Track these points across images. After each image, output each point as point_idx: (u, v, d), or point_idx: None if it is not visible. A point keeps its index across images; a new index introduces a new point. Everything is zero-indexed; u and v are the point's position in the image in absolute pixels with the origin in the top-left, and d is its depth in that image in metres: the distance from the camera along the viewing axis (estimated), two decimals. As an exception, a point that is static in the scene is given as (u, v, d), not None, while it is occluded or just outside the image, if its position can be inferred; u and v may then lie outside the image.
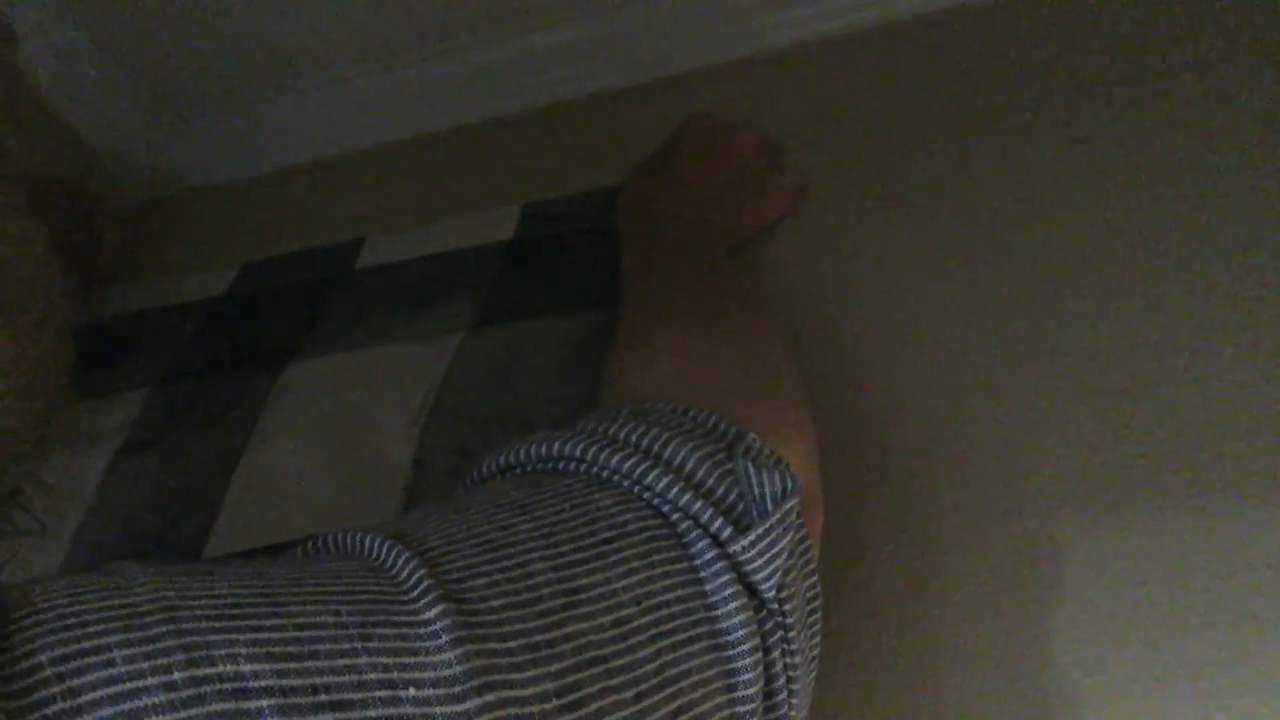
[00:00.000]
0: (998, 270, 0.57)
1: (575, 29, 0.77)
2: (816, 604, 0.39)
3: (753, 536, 0.35)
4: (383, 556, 0.31)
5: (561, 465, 0.38)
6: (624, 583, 0.32)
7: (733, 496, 0.36)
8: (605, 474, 0.37)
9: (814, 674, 0.39)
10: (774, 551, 0.35)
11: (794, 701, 0.35)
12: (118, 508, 0.63)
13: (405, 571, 0.30)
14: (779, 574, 0.35)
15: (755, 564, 0.35)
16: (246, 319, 0.74)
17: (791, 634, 0.35)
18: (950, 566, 0.48)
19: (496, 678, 0.28)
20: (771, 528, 0.35)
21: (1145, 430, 0.49)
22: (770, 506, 0.36)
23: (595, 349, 0.61)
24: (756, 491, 0.36)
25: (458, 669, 0.27)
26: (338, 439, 0.62)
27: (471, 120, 0.81)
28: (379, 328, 0.68)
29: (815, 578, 0.39)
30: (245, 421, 0.66)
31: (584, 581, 0.32)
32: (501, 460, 0.40)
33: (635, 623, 0.32)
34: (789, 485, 0.36)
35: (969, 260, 0.58)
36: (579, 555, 0.32)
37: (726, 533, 0.35)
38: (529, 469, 0.39)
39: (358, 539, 0.32)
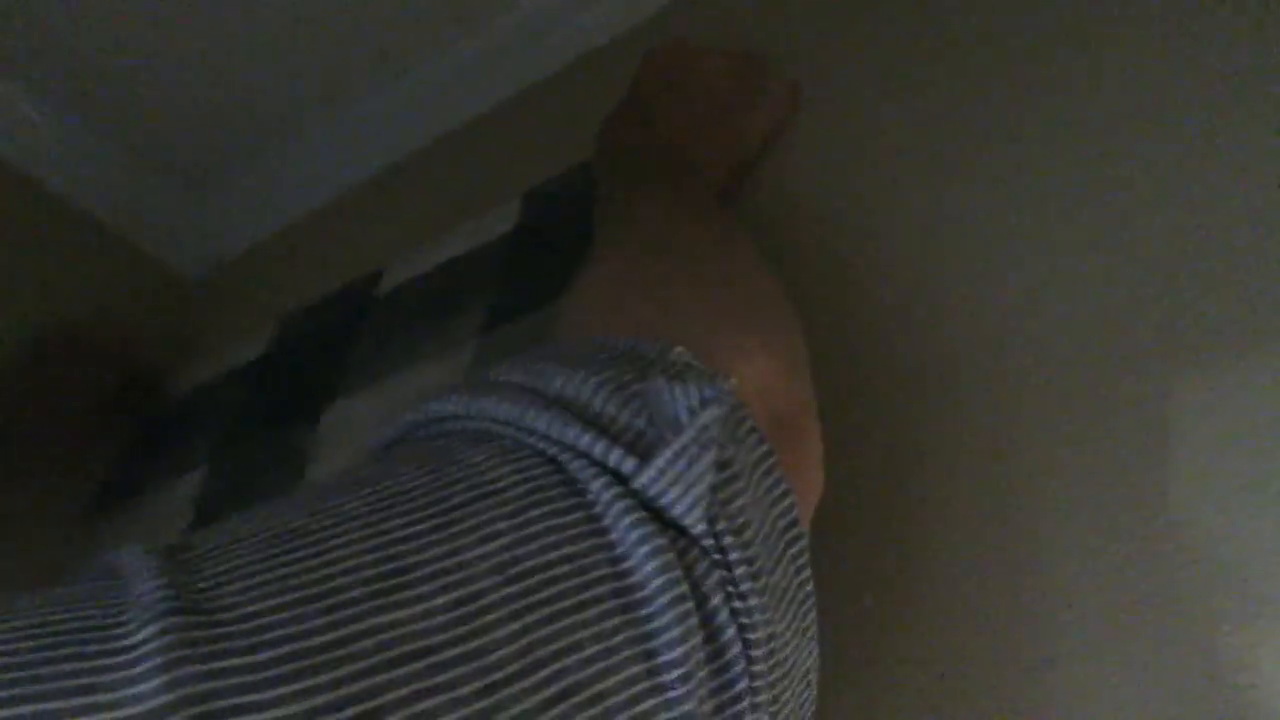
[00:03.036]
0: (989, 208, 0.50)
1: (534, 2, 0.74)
2: (793, 533, 0.33)
3: (660, 462, 0.29)
4: (129, 571, 0.26)
5: (447, 426, 0.34)
6: (478, 551, 0.27)
7: (640, 422, 0.31)
8: (485, 425, 0.32)
9: (810, 626, 0.33)
10: (693, 473, 0.30)
11: (755, 654, 0.29)
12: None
13: (142, 587, 0.25)
14: (703, 502, 0.30)
15: (670, 494, 0.29)
16: (285, 373, 0.74)
17: (737, 571, 0.30)
18: (940, 552, 0.43)
19: (220, 704, 0.23)
20: (686, 446, 0.30)
21: (1131, 425, 0.42)
22: (686, 419, 0.31)
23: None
24: (669, 411, 0.31)
25: (163, 699, 0.23)
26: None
27: (462, 121, 0.79)
28: (398, 352, 0.67)
29: (790, 500, 0.33)
30: (292, 476, 0.65)
31: (412, 560, 0.27)
32: (386, 437, 0.36)
33: (487, 598, 0.27)
34: (707, 394, 0.31)
35: (971, 201, 0.51)
36: (412, 529, 0.27)
37: (629, 465, 0.30)
38: (412, 439, 0.35)
39: (122, 554, 0.28)
